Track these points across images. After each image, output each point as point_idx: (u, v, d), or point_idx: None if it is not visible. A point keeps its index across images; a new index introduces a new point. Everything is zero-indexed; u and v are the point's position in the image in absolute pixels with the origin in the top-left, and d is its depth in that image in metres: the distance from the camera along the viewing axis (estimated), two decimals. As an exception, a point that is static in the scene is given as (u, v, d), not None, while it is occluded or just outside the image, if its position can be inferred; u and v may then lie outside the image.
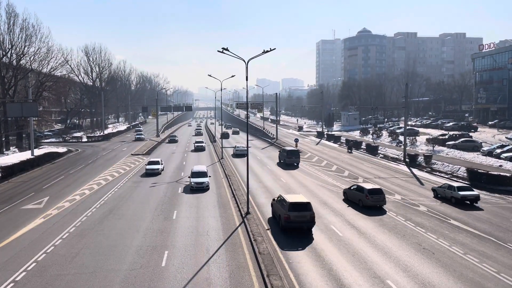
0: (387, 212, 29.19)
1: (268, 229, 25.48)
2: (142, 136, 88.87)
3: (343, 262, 20.05)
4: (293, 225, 24.42)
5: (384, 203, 30.28)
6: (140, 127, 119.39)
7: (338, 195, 34.83)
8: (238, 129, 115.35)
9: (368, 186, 31.30)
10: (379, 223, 26.47)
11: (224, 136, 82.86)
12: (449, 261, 20.10)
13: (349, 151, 67.05)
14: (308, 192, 35.82)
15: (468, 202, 31.52)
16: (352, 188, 32.65)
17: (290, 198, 25.51)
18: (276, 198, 27.80)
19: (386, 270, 19.02)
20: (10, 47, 66.24)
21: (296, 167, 50.43)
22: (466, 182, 37.95)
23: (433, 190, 35.16)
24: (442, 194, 33.57)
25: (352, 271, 18.91)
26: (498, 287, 17.48)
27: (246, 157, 32.74)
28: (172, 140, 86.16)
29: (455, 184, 34.04)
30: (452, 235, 24.00)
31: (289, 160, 52.41)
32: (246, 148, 44.83)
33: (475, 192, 32.30)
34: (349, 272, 18.86)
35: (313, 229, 25.04)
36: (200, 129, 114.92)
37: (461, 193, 31.60)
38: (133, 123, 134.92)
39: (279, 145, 73.57)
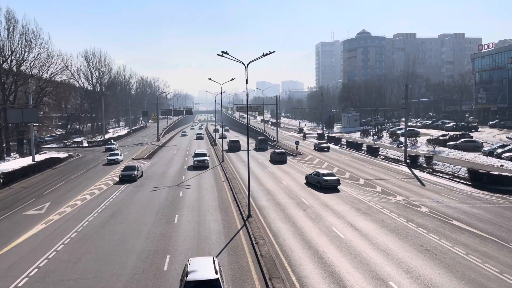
0: (287, 162, 56.31)
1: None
2: (118, 157, 59.59)
3: (345, 264, 20.02)
4: (232, 148, 71.96)
5: (285, 159, 56.86)
6: (114, 143, 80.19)
7: (339, 197, 34.81)
8: (228, 128, 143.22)
9: (278, 150, 60.77)
10: (381, 224, 26.45)
11: (216, 131, 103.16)
12: (452, 262, 20.06)
13: (304, 138, 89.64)
14: (309, 194, 35.79)
15: (326, 149, 70.09)
16: (272, 152, 59.54)
17: (231, 140, 76.83)
18: (228, 141, 75.52)
19: (388, 272, 18.98)
20: (10, 53, 66.37)
21: (298, 170, 50.50)
22: (466, 180, 38.30)
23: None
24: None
25: (355, 273, 18.88)
26: (501, 287, 17.44)
27: (247, 160, 32.82)
28: (126, 176, 43.47)
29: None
30: (454, 236, 23.96)
31: (260, 145, 74.52)
32: (222, 131, 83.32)
33: (328, 145, 73.04)
34: (351, 274, 18.82)
35: (314, 231, 25.19)
36: (205, 157, 54.24)
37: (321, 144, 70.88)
38: (134, 127, 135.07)
39: (280, 148, 73.56)
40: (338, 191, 36.97)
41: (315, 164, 54.31)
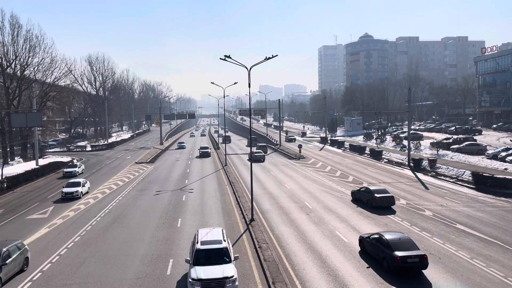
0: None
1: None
2: (78, 189, 38.35)
3: (348, 268, 19.93)
4: (223, 141, 77.72)
5: (266, 150, 74.34)
6: (76, 164, 54.91)
7: (342, 200, 34.72)
8: (227, 129, 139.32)
9: (259, 144, 77.32)
10: (385, 228, 26.34)
11: (215, 131, 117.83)
12: (456, 266, 19.95)
13: (286, 134, 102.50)
14: (312, 198, 35.72)
15: (292, 140, 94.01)
16: (256, 146, 75.95)
17: (224, 135, 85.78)
18: (222, 136, 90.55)
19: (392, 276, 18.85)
20: (14, 58, 66.78)
21: (301, 173, 50.37)
22: (470, 184, 38.24)
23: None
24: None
25: (358, 277, 18.79)
26: (506, 291, 17.30)
27: (250, 163, 32.91)
28: None
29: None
30: (459, 240, 23.83)
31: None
32: (224, 133, 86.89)
33: (294, 137, 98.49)
34: (355, 278, 18.74)
35: (318, 235, 25.07)
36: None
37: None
38: (137, 131, 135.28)
39: (283, 151, 73.54)
40: (263, 161, 62.22)
41: (318, 168, 54.22)
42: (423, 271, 18.92)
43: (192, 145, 62.19)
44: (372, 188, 32.73)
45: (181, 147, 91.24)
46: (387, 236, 20.02)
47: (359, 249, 22.14)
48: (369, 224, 27.27)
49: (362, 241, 21.88)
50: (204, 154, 71.97)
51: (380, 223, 27.58)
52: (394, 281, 18.18)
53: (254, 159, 61.54)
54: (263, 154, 66.04)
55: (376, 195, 31.13)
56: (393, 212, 30.43)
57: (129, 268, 20.48)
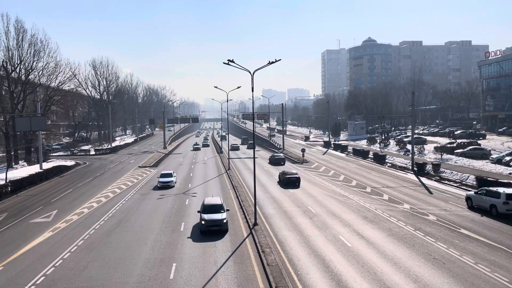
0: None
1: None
2: None
3: (352, 272, 19.85)
4: (221, 139, 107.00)
5: (239, 149, 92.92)
6: None
7: (346, 205, 34.63)
8: (227, 132, 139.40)
9: (250, 141, 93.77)
10: (388, 233, 26.23)
11: (217, 133, 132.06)
12: (460, 271, 19.83)
13: (273, 131, 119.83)
14: (315, 202, 35.64)
15: (273, 135, 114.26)
16: (246, 143, 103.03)
17: (221, 135, 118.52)
18: (220, 135, 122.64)
19: (396, 281, 18.78)
20: (19, 62, 67.20)
21: (304, 178, 50.31)
22: (475, 188, 38.08)
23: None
24: None
25: (362, 282, 18.71)
26: (511, 297, 17.18)
27: (253, 168, 32.93)
28: None
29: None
30: (463, 245, 23.69)
31: (244, 142, 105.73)
32: (226, 134, 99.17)
33: (276, 134, 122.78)
34: (358, 283, 18.65)
35: (321, 240, 25.06)
36: None
37: None
38: (140, 135, 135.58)
39: (286, 155, 73.52)
40: (239, 150, 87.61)
41: (321, 172, 54.14)
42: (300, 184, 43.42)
43: (189, 168, 61.01)
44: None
45: (164, 184, 44.55)
46: (285, 171, 45.90)
47: (278, 180, 46.93)
48: (373, 229, 27.16)
49: (279, 176, 46.62)
50: (214, 227, 26.82)
51: (383, 227, 27.48)
52: (287, 186, 42.98)
53: (232, 148, 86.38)
54: (238, 145, 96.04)
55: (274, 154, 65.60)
56: (396, 217, 30.34)
57: (132, 272, 20.47)
